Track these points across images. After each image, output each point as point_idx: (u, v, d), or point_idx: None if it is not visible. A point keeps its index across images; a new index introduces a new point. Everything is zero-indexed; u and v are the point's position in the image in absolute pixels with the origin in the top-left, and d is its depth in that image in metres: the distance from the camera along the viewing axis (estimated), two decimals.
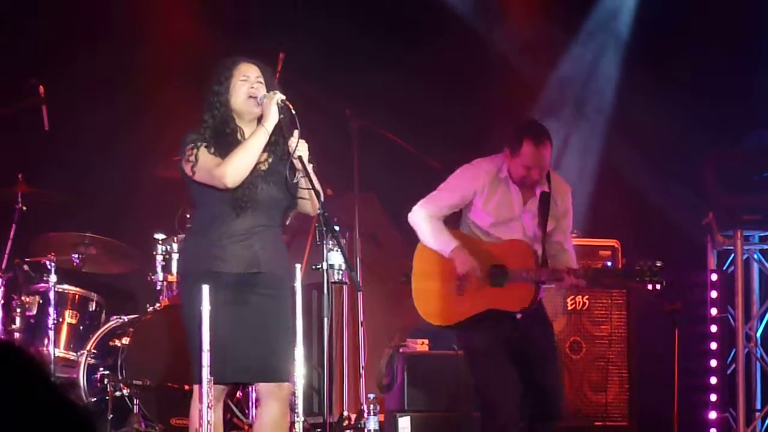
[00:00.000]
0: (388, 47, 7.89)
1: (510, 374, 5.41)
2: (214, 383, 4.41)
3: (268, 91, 4.63)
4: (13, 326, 6.67)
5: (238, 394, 6.41)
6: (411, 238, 5.73)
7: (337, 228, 5.24)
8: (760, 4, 8.03)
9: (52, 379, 1.98)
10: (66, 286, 6.87)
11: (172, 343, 6.21)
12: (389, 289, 7.08)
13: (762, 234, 7.52)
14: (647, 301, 6.55)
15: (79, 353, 6.78)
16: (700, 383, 7.29)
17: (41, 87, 6.61)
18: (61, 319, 6.81)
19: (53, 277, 6.65)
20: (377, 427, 5.93)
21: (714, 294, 7.34)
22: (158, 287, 6.80)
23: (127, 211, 7.53)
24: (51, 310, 6.60)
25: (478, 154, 5.72)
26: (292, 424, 4.79)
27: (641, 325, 6.87)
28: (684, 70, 7.83)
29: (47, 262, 6.66)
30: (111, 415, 6.27)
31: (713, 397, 7.28)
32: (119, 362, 6.47)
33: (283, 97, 4.58)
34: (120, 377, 6.39)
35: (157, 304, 6.69)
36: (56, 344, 6.67)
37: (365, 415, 5.97)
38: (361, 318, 6.99)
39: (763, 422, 7.39)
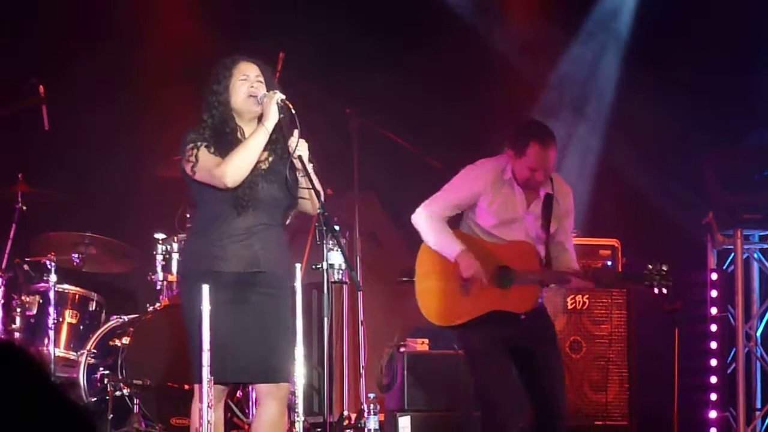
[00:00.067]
0: (388, 47, 7.88)
1: (510, 374, 5.40)
2: (215, 383, 4.41)
3: (267, 91, 4.62)
4: (13, 326, 6.68)
5: (239, 393, 6.42)
6: (411, 237, 5.72)
7: (337, 227, 5.25)
8: (760, 4, 8.03)
9: (52, 378, 1.97)
10: (66, 286, 6.88)
11: (172, 342, 6.21)
12: (389, 289, 7.09)
13: (762, 233, 7.51)
14: (647, 301, 6.55)
15: (79, 353, 6.78)
16: (700, 382, 7.29)
17: (41, 87, 6.61)
18: (61, 319, 6.81)
19: (53, 277, 6.65)
20: (377, 427, 5.93)
21: (714, 293, 7.34)
22: (158, 287, 6.81)
23: (127, 210, 7.53)
24: (51, 309, 6.60)
25: (478, 154, 5.70)
26: (292, 423, 4.79)
27: (641, 324, 6.87)
28: (684, 70, 7.82)
29: (47, 262, 6.67)
30: (111, 415, 6.28)
31: (713, 397, 7.28)
32: (119, 362, 6.47)
33: (283, 97, 4.57)
34: (120, 377, 6.39)
35: (158, 304, 6.70)
36: (56, 344, 6.67)
37: (365, 414, 5.97)
38: (361, 318, 6.98)
39: (763, 421, 7.38)
